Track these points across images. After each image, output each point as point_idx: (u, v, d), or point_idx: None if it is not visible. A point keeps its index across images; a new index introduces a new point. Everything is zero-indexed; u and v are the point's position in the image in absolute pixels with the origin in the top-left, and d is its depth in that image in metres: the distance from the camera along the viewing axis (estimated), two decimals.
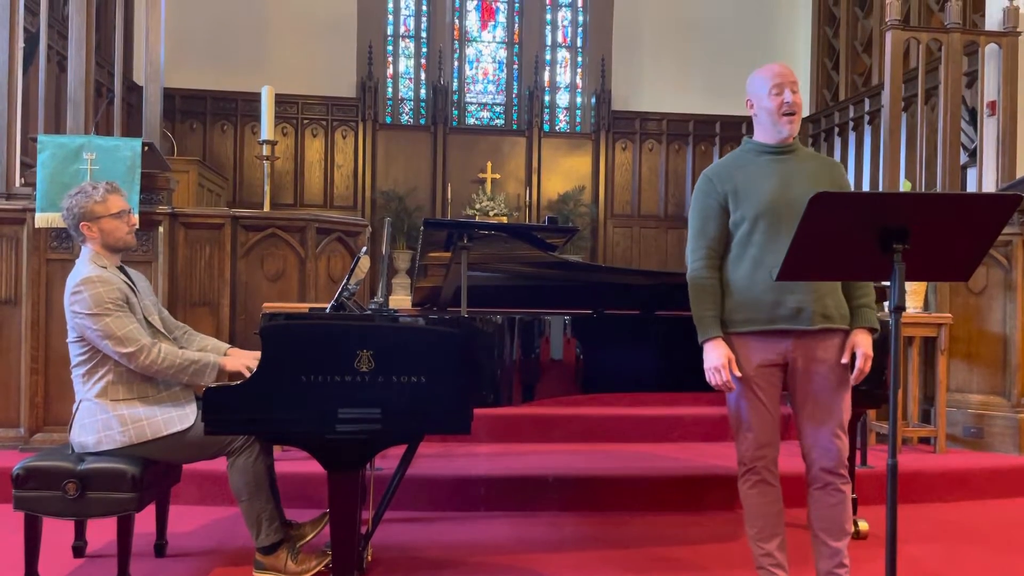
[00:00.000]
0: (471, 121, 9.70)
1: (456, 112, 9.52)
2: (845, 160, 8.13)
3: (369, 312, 2.64)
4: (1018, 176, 5.03)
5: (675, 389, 2.91)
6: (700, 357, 2.46)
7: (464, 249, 2.59)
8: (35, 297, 4.01)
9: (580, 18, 9.85)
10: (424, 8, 9.68)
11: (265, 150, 4.91)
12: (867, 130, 7.79)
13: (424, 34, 9.68)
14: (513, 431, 4.44)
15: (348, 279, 2.79)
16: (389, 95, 9.55)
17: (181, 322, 3.06)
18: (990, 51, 5.29)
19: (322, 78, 8.87)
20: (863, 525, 3.33)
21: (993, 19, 5.40)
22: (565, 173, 9.21)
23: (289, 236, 4.22)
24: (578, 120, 9.82)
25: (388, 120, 9.35)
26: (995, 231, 2.00)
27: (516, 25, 9.87)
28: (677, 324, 2.69)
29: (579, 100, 9.85)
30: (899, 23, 5.21)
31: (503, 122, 9.76)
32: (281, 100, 7.20)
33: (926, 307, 4.63)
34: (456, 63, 9.69)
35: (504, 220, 8.54)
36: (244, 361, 2.78)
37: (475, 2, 9.84)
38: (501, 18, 9.92)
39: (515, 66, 9.82)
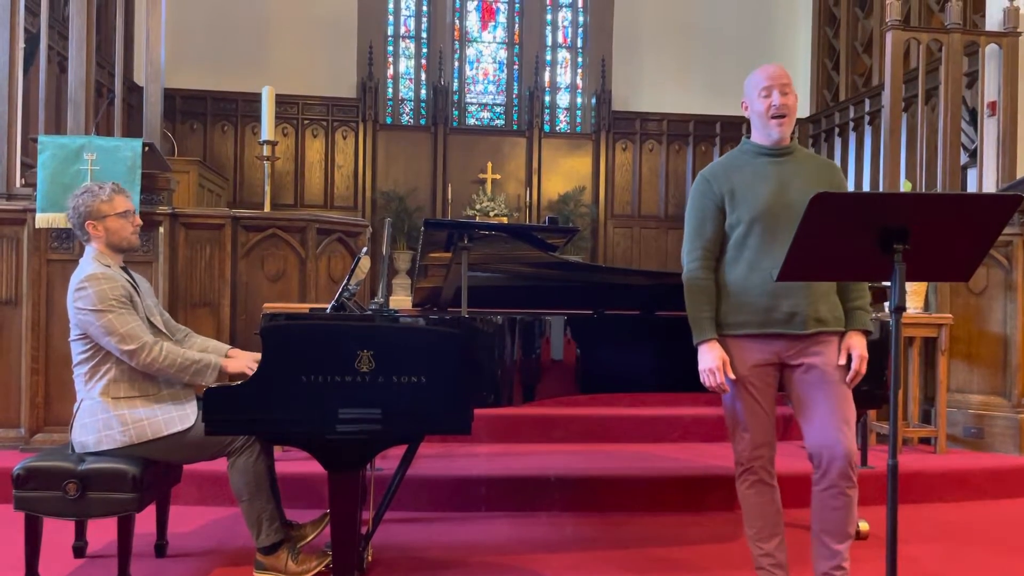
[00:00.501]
0: (471, 121, 9.70)
1: (456, 112, 9.52)
2: (845, 160, 8.14)
3: (369, 312, 2.65)
4: (1018, 176, 5.03)
5: (675, 389, 2.90)
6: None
7: (464, 249, 2.59)
8: (35, 297, 4.01)
9: (580, 18, 9.85)
10: (424, 8, 9.68)
11: (265, 150, 4.92)
12: (867, 130, 7.79)
13: (424, 34, 9.68)
14: (513, 431, 4.45)
15: (348, 279, 2.80)
16: (389, 95, 9.55)
17: (182, 324, 3.07)
18: (990, 51, 5.30)
19: (322, 78, 8.88)
20: (863, 525, 3.32)
21: (993, 19, 5.40)
22: (565, 173, 9.21)
23: (289, 236, 4.22)
24: (578, 120, 9.82)
25: (388, 120, 9.36)
26: (995, 231, 2.00)
27: (516, 25, 9.87)
28: (677, 324, 2.69)
29: (579, 100, 9.85)
30: (899, 23, 5.21)
31: (503, 122, 9.76)
32: (281, 100, 7.22)
33: (926, 307, 4.63)
34: (456, 63, 9.69)
35: (504, 220, 8.53)
36: (246, 362, 2.78)
37: (475, 2, 9.84)
38: (501, 18, 9.92)
39: (515, 66, 9.82)
